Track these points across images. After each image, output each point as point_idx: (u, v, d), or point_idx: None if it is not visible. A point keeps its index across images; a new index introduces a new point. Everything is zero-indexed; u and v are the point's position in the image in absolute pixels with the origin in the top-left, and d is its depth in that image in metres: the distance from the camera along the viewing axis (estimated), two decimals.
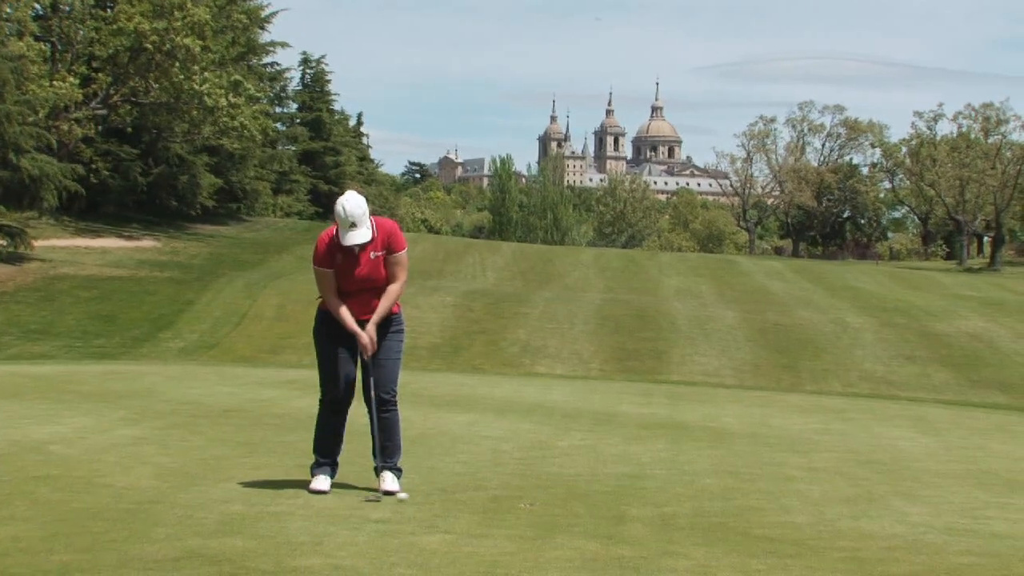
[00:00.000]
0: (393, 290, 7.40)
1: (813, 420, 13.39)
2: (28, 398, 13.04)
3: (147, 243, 48.14)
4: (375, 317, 7.35)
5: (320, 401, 7.55)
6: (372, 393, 7.37)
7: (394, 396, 7.47)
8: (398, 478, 7.39)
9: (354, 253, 7.27)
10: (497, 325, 33.36)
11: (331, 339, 7.40)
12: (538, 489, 7.57)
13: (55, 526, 6.11)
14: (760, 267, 58.76)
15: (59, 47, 48.98)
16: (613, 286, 46.32)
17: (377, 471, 7.43)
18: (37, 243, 39.70)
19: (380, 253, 7.35)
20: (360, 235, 7.20)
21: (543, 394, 16.22)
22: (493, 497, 7.27)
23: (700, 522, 6.63)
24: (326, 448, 7.49)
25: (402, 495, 7.17)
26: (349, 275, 7.30)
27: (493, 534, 6.14)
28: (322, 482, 7.37)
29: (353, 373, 7.45)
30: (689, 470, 8.74)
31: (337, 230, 7.27)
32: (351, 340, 7.36)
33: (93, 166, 48.75)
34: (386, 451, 7.43)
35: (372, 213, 7.41)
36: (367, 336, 7.29)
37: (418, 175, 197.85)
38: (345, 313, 7.30)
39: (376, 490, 7.27)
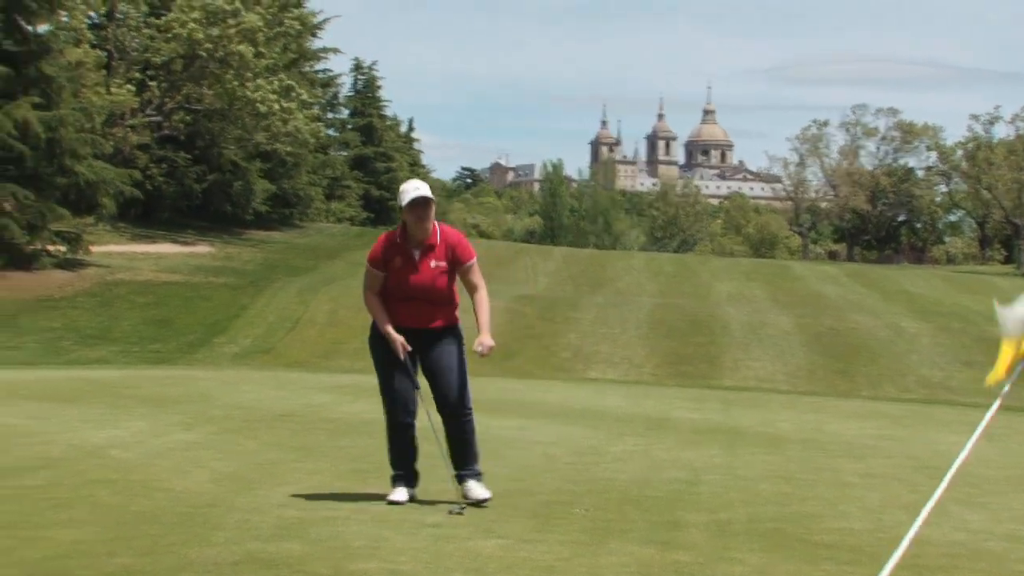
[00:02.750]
0: (481, 300, 7.23)
1: (869, 426, 13.25)
2: (86, 402, 13.19)
3: (202, 249, 48.56)
4: (481, 328, 7.14)
5: (385, 413, 7.34)
6: (441, 408, 7.23)
7: (462, 409, 7.24)
8: (480, 482, 7.21)
9: (414, 259, 7.10)
10: (549, 330, 33.31)
11: (385, 351, 7.19)
12: (591, 494, 7.55)
13: (115, 529, 6.18)
14: (814, 272, 58.29)
15: (115, 55, 49.57)
16: (665, 291, 46.14)
17: (459, 479, 7.22)
18: (94, 249, 40.14)
19: (443, 263, 7.13)
20: (423, 189, 7.06)
21: (595, 399, 16.18)
22: (546, 502, 7.26)
23: (756, 528, 6.58)
24: (400, 459, 7.26)
25: (485, 494, 7.10)
26: (405, 280, 7.12)
27: (548, 539, 6.13)
28: (400, 494, 7.14)
29: (410, 386, 7.19)
30: (744, 475, 8.69)
31: (399, 232, 7.14)
32: (406, 352, 7.16)
33: (148, 172, 49.28)
34: (464, 458, 7.25)
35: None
36: (400, 339, 7.10)
37: (469, 180, 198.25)
38: (381, 314, 7.16)
39: (458, 502, 6.99)
